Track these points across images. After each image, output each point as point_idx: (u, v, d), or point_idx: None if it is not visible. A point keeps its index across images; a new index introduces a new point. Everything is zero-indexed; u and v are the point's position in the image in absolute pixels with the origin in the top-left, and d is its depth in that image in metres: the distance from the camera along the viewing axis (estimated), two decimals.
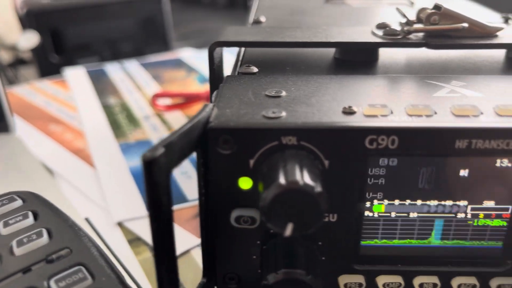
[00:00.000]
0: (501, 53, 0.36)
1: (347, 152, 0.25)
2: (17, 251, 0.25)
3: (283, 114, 0.25)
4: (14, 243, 0.25)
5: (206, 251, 0.28)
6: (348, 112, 0.25)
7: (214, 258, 0.28)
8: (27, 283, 0.23)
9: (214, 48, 0.32)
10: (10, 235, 0.26)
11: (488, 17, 0.45)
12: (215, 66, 0.33)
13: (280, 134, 0.24)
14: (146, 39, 0.99)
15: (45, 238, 0.26)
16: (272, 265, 0.25)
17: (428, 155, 0.25)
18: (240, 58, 0.35)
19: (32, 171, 0.45)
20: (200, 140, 0.24)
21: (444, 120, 0.24)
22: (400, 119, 0.24)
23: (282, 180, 0.22)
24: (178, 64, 0.82)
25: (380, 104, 0.26)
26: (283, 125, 0.24)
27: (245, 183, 0.26)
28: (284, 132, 0.24)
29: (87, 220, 0.40)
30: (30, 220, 0.27)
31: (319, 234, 0.27)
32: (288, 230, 0.22)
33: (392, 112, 0.25)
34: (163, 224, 0.22)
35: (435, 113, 0.25)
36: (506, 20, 0.43)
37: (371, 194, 0.26)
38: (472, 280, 0.28)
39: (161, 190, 0.21)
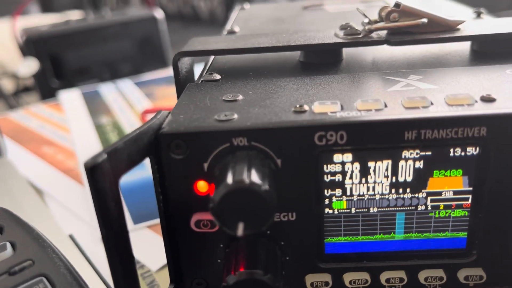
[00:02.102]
0: (466, 46, 0.36)
1: (297, 150, 0.25)
2: None
3: (235, 116, 0.25)
4: None
5: (171, 257, 0.28)
6: (299, 111, 0.25)
7: (180, 263, 0.28)
8: None
9: (177, 59, 0.33)
10: None
11: (460, 12, 0.45)
12: (180, 77, 0.34)
13: (231, 136, 0.25)
14: (144, 59, 1.00)
15: (8, 251, 0.26)
16: (232, 266, 0.26)
17: (378, 149, 0.25)
18: (207, 67, 0.36)
19: (19, 192, 0.46)
20: (153, 147, 0.25)
21: (392, 112, 0.25)
22: (348, 115, 0.25)
23: (229, 180, 0.22)
24: (170, 80, 0.83)
25: (331, 101, 0.26)
26: (233, 127, 0.25)
27: (201, 187, 0.26)
28: (234, 134, 0.25)
29: (70, 236, 0.41)
30: None
31: (280, 234, 0.27)
32: (240, 230, 0.23)
33: (342, 108, 0.25)
34: (114, 230, 0.23)
35: (386, 106, 0.25)
36: (478, 15, 0.43)
37: (329, 191, 0.26)
38: (439, 273, 0.27)
39: (108, 196, 0.22)
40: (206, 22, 1.71)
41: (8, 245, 0.26)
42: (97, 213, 0.22)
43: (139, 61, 1.00)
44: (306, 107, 0.25)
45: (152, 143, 0.25)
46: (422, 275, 0.28)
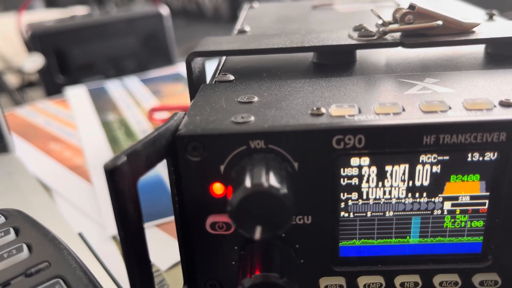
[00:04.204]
0: (480, 49, 0.36)
1: (315, 154, 0.25)
2: None
3: (252, 119, 0.25)
4: None
5: (185, 258, 0.28)
6: (316, 113, 0.25)
7: (194, 265, 0.28)
8: None
9: (191, 59, 0.33)
10: None
11: (472, 14, 0.45)
12: (193, 76, 0.33)
13: (248, 138, 0.24)
14: (149, 56, 1.00)
15: (25, 252, 0.26)
16: (248, 269, 0.25)
17: (396, 153, 0.25)
18: (220, 67, 0.36)
19: (28, 189, 0.46)
20: (170, 148, 0.25)
21: (411, 117, 0.24)
22: (366, 118, 0.24)
23: (247, 183, 0.22)
24: (177, 78, 0.83)
25: (348, 104, 0.26)
26: (251, 130, 0.24)
27: (217, 189, 0.26)
28: (252, 136, 0.24)
29: (80, 235, 0.41)
30: (12, 236, 0.28)
31: (295, 237, 0.27)
32: (257, 233, 0.22)
33: (360, 112, 0.25)
34: (132, 232, 0.22)
35: (404, 110, 0.25)
36: (490, 17, 0.43)
37: (345, 194, 0.26)
38: (454, 278, 0.27)
39: (126, 198, 0.22)
40: (210, 19, 1.71)
41: (25, 247, 0.26)
42: (115, 215, 0.22)
43: (144, 58, 1.00)
44: (323, 110, 0.25)
45: (170, 144, 0.25)
46: (437, 280, 0.27)
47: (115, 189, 0.21)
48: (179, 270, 0.38)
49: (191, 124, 0.25)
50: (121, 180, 0.21)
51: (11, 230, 0.28)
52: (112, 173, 0.21)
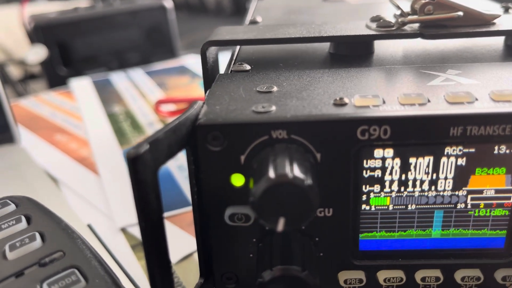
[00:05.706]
0: (500, 41, 0.35)
1: (338, 145, 0.24)
2: (10, 255, 0.25)
3: (273, 108, 0.24)
4: (7, 247, 0.25)
5: (202, 250, 0.27)
6: (339, 103, 0.25)
7: (211, 257, 0.27)
8: (20, 287, 0.23)
9: (206, 48, 0.32)
10: (3, 240, 0.26)
11: (488, 6, 0.44)
12: (208, 66, 0.33)
13: (270, 128, 0.24)
14: (152, 49, 0.99)
15: (38, 241, 0.26)
16: (268, 262, 0.25)
17: (422, 144, 0.24)
18: (234, 56, 0.35)
19: (36, 180, 0.46)
20: (190, 138, 0.24)
21: (437, 108, 0.24)
22: (392, 109, 0.24)
23: (271, 174, 0.22)
24: (182, 70, 0.82)
25: (372, 94, 0.25)
26: (272, 119, 0.24)
27: (237, 179, 0.25)
28: (274, 126, 0.24)
29: (89, 226, 0.40)
30: (23, 224, 0.27)
31: (315, 230, 0.26)
32: (280, 225, 0.22)
33: (384, 102, 0.25)
34: (152, 223, 0.22)
35: (429, 101, 0.24)
36: (506, 10, 0.42)
37: (367, 187, 0.26)
38: (476, 273, 0.27)
39: (148, 188, 0.21)
40: (213, 12, 1.69)
41: (37, 235, 0.26)
42: (136, 204, 0.21)
43: (147, 50, 0.99)
44: (346, 100, 0.25)
45: (189, 134, 0.24)
46: (458, 275, 0.27)
47: (136, 178, 0.20)
48: (189, 263, 0.38)
49: (211, 113, 0.24)
50: (143, 169, 0.20)
51: (23, 218, 0.27)
52: (134, 161, 0.20)
